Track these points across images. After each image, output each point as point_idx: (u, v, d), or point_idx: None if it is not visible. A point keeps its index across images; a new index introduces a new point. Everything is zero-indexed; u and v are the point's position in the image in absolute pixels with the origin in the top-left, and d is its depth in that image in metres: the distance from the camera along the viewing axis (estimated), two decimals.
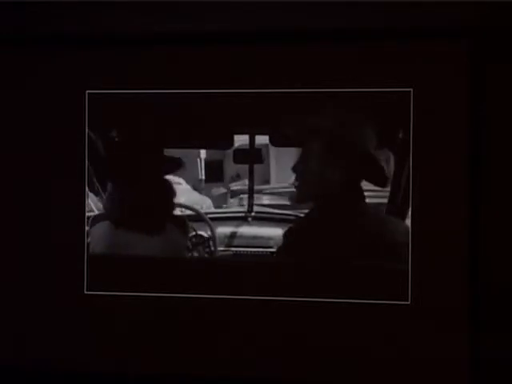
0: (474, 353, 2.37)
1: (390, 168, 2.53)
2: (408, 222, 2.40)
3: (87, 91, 2.54)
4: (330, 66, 2.42)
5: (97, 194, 2.69)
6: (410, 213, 2.39)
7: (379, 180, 2.50)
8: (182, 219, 2.74)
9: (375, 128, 2.46)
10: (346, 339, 2.42)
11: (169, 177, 2.70)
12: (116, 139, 2.71)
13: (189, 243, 2.81)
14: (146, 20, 2.41)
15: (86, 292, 2.55)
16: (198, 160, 2.97)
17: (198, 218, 2.89)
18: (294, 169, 2.57)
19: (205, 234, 2.89)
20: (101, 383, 2.55)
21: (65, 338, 2.55)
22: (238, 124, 2.69)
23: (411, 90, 2.37)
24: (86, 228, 2.57)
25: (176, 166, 2.73)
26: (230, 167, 2.99)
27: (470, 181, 2.36)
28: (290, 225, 2.72)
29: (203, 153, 2.95)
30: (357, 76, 2.40)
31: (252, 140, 2.82)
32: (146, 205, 2.66)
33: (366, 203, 2.53)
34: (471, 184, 2.35)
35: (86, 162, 2.56)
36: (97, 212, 2.67)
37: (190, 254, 2.89)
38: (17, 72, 2.58)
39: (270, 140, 2.78)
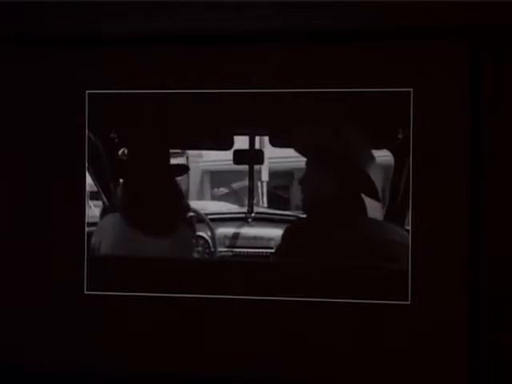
0: (474, 353, 2.37)
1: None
2: (408, 222, 2.40)
3: (87, 91, 2.54)
4: (330, 65, 2.43)
5: (96, 194, 2.69)
6: (410, 213, 2.39)
7: (371, 194, 2.51)
8: (190, 219, 2.76)
9: (375, 129, 2.48)
10: (346, 339, 2.42)
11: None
12: (116, 140, 2.71)
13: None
14: (147, 20, 2.41)
15: (85, 292, 2.55)
16: (259, 184, 2.88)
17: (198, 218, 2.89)
18: (300, 182, 2.60)
19: (205, 234, 2.89)
20: (101, 383, 2.55)
21: (65, 337, 2.55)
22: (238, 124, 2.69)
23: (411, 90, 2.38)
24: (86, 228, 2.57)
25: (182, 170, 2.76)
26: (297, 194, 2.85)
27: (470, 181, 2.36)
28: (288, 225, 2.73)
29: (265, 175, 2.85)
30: (357, 76, 2.41)
31: (252, 140, 2.82)
32: (158, 205, 2.67)
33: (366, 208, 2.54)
34: (471, 184, 2.36)
35: (86, 162, 2.56)
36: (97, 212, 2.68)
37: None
38: (17, 72, 2.58)
39: (270, 141, 2.78)
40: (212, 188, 2.96)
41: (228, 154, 2.74)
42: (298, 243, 2.58)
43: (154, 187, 2.70)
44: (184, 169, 2.78)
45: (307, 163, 2.54)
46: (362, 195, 2.50)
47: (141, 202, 2.68)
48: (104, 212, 2.69)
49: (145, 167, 2.70)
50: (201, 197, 2.96)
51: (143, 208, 2.68)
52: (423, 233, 2.37)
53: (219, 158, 2.87)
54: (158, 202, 2.68)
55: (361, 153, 2.49)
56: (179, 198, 2.74)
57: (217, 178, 2.96)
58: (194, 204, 2.84)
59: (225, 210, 2.91)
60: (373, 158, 2.50)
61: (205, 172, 2.93)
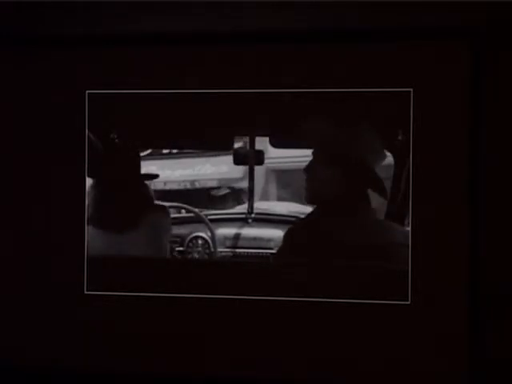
0: (474, 353, 2.37)
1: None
2: (408, 222, 2.40)
3: (87, 91, 2.54)
4: (330, 65, 2.43)
5: None
6: (410, 213, 2.39)
7: (380, 191, 2.51)
8: (161, 206, 2.76)
9: (375, 129, 2.48)
10: (346, 339, 2.42)
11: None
12: (116, 140, 2.71)
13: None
14: (146, 20, 2.41)
15: (85, 292, 2.55)
16: None
17: (198, 219, 2.90)
18: (306, 170, 2.58)
19: (205, 235, 2.90)
20: (101, 383, 2.55)
21: (65, 338, 2.55)
22: (238, 125, 2.69)
23: (411, 90, 2.38)
24: (86, 228, 2.57)
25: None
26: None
27: (470, 181, 2.36)
28: (290, 226, 2.73)
29: None
30: (357, 76, 2.41)
31: (252, 141, 2.82)
32: (122, 203, 2.69)
33: (369, 207, 2.53)
34: (471, 184, 2.36)
35: (86, 162, 2.56)
36: None
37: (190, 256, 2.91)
38: (17, 72, 2.58)
39: (270, 141, 2.78)
40: (278, 188, 2.91)
41: (293, 152, 2.73)
42: (299, 244, 2.58)
43: (125, 185, 2.72)
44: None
45: (313, 153, 2.54)
46: (369, 193, 2.50)
47: (105, 202, 2.69)
48: None
49: (122, 166, 2.72)
50: (266, 197, 2.92)
51: (106, 207, 2.69)
52: (423, 233, 2.37)
53: (285, 155, 2.83)
54: (122, 201, 2.70)
55: (370, 151, 2.49)
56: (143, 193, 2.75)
57: (283, 177, 2.93)
58: (260, 205, 2.84)
59: (293, 212, 2.89)
60: (383, 156, 2.50)
61: (271, 171, 2.89)
